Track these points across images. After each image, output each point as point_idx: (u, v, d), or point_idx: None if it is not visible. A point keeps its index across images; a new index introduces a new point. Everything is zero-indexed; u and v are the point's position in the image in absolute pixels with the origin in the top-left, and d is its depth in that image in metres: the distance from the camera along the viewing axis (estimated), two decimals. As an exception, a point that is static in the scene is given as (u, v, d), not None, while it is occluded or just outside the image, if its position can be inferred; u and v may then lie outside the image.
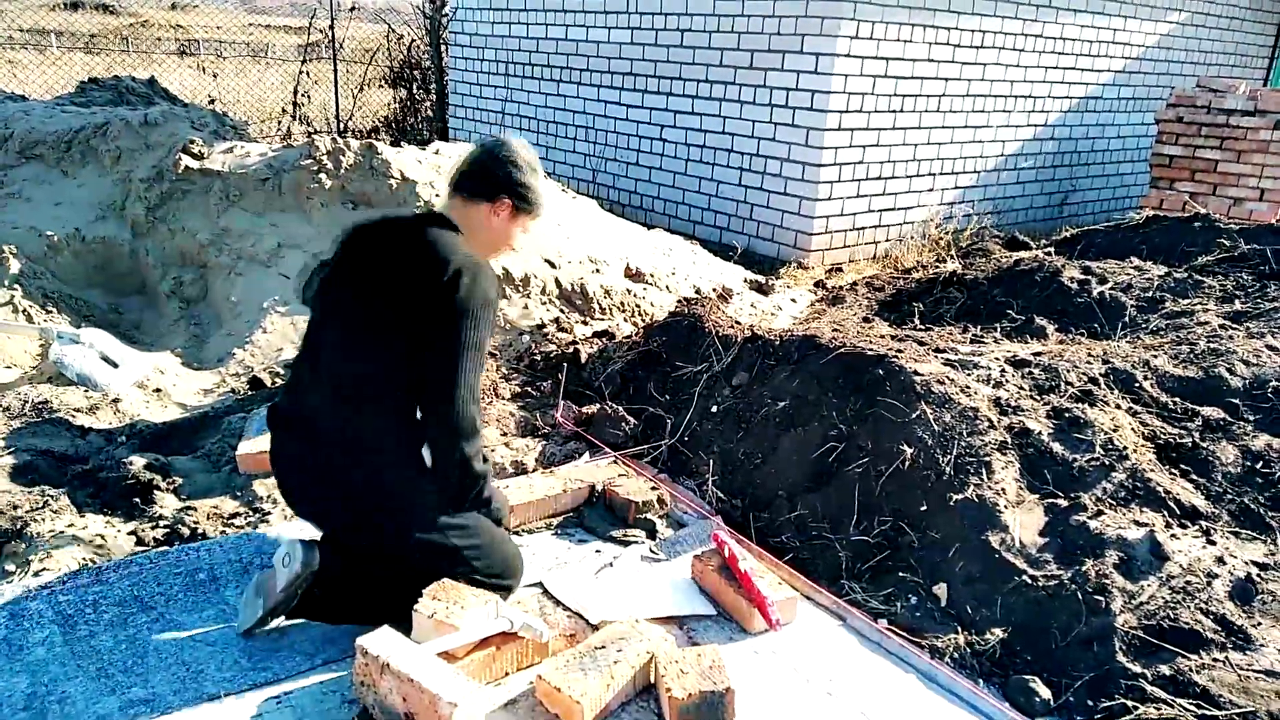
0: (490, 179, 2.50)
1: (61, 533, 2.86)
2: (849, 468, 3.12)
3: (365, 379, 2.36)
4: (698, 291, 5.46)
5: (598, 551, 2.98)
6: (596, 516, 3.16)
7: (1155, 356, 3.61)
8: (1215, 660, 2.39)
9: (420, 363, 2.31)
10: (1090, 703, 2.35)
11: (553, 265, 5.03)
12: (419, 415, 2.38)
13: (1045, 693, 2.39)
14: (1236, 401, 3.34)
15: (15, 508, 2.97)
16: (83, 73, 10.31)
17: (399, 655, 2.09)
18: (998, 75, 7.94)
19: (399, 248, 2.41)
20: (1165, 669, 2.37)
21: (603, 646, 2.30)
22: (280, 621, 2.48)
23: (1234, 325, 3.91)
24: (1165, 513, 2.86)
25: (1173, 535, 2.77)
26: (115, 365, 4.04)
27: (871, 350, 3.43)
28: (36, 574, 2.67)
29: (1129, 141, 9.75)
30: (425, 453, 2.44)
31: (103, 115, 5.52)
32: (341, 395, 2.37)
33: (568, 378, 4.14)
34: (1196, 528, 2.83)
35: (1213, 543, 2.75)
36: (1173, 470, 3.07)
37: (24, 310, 4.38)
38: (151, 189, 5.08)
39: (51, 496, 3.05)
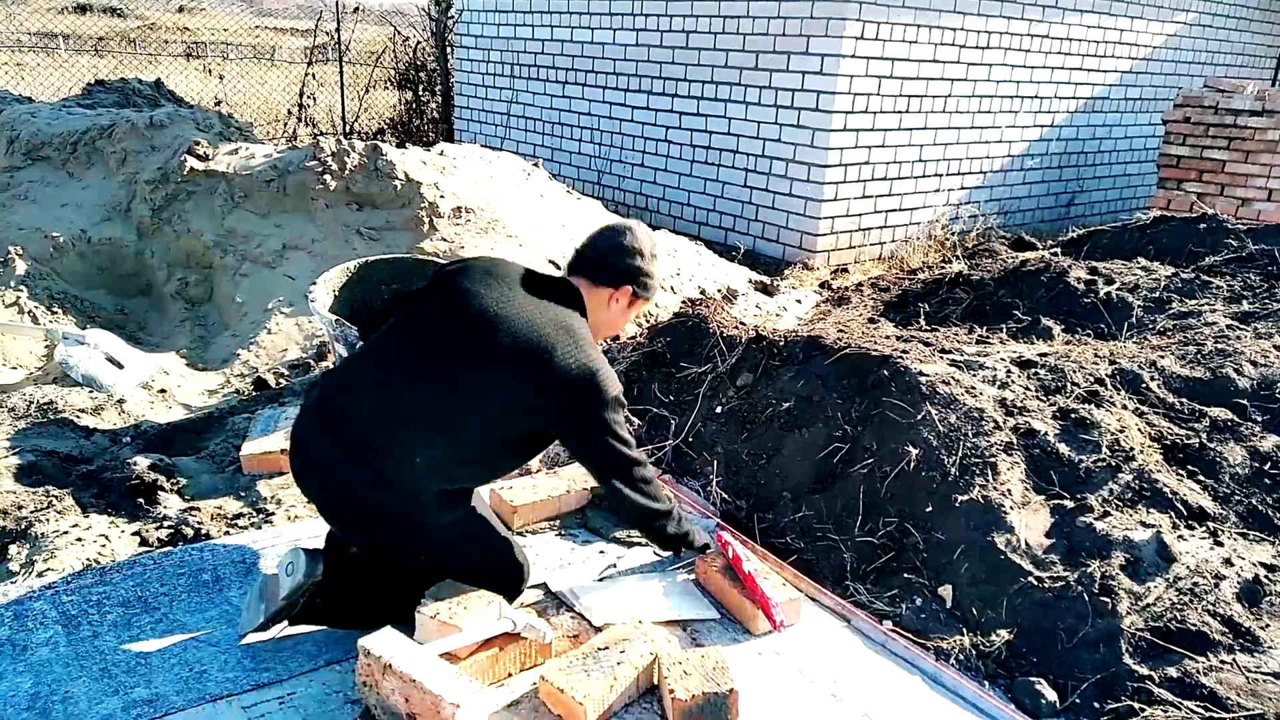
0: (616, 267, 2.52)
1: (66, 533, 2.87)
2: (854, 469, 3.11)
3: (438, 422, 2.28)
4: (702, 292, 5.45)
5: (601, 552, 2.97)
6: (600, 517, 3.15)
7: (1162, 357, 3.59)
8: (1223, 662, 2.37)
9: (527, 446, 2.44)
10: (1097, 705, 2.34)
11: (557, 266, 5.03)
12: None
13: (1051, 694, 2.37)
14: (1244, 402, 3.32)
15: (20, 508, 2.98)
16: (90, 75, 10.35)
17: (401, 656, 2.08)
18: (1004, 76, 7.92)
19: (530, 319, 2.32)
20: (1172, 671, 2.35)
21: (606, 648, 2.29)
22: (282, 627, 2.48)
23: (1242, 326, 3.88)
24: (1172, 514, 2.84)
25: (1180, 536, 2.75)
26: (120, 366, 4.05)
27: (876, 351, 3.42)
28: (40, 574, 2.68)
29: (1136, 142, 9.71)
30: (460, 490, 2.43)
31: (109, 117, 5.54)
32: (403, 425, 2.28)
33: (572, 378, 4.13)
34: (1204, 529, 2.81)
35: (1220, 544, 2.74)
36: (1180, 471, 3.05)
37: (30, 311, 4.39)
38: (157, 190, 5.09)
39: (56, 497, 3.06)
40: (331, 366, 4.22)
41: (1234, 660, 2.37)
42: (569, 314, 2.39)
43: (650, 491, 2.51)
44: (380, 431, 2.28)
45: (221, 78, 12.89)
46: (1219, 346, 3.63)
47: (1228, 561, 2.66)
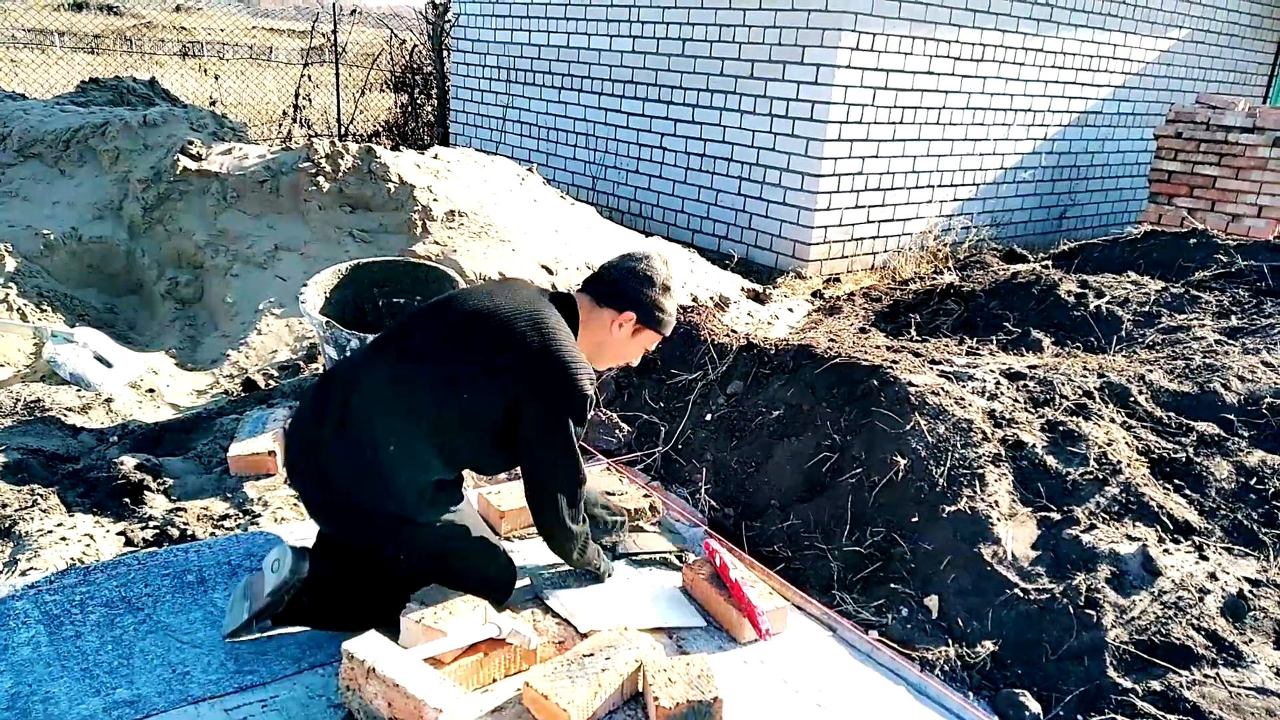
0: (623, 292, 2.51)
1: (50, 532, 2.85)
2: (842, 478, 3.11)
3: (424, 417, 2.31)
4: (695, 300, 5.45)
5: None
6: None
7: (1150, 371, 3.60)
8: (1206, 676, 2.38)
9: (518, 446, 2.37)
10: (1080, 717, 2.34)
11: (549, 271, 5.03)
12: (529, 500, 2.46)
13: (1035, 706, 2.38)
14: (1231, 417, 3.34)
15: (4, 506, 2.96)
16: (85, 73, 10.32)
17: (385, 660, 2.08)
18: (998, 89, 7.96)
19: (520, 315, 2.35)
20: (1156, 684, 2.36)
21: (591, 654, 2.28)
22: (265, 627, 2.46)
23: (1230, 341, 3.90)
24: (1158, 528, 2.85)
25: (1165, 550, 2.76)
26: (109, 365, 4.04)
27: (866, 361, 3.43)
28: (24, 573, 2.66)
29: (1128, 157, 9.77)
30: (446, 487, 2.44)
31: (102, 115, 5.52)
32: (390, 420, 2.31)
33: (562, 384, 4.13)
34: (1189, 543, 2.82)
35: (1205, 558, 2.75)
36: (1166, 485, 3.06)
37: (19, 309, 4.37)
38: (149, 189, 5.08)
39: (41, 496, 3.04)
40: (322, 368, 4.21)
41: (1217, 675, 2.38)
42: (550, 311, 2.41)
43: (575, 515, 2.49)
44: (363, 419, 2.32)
45: (217, 78, 12.86)
46: (1207, 361, 3.65)
47: (1212, 576, 2.67)
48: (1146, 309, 4.39)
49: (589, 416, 2.41)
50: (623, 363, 2.69)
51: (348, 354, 3.51)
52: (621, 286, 2.51)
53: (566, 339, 2.36)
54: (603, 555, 2.77)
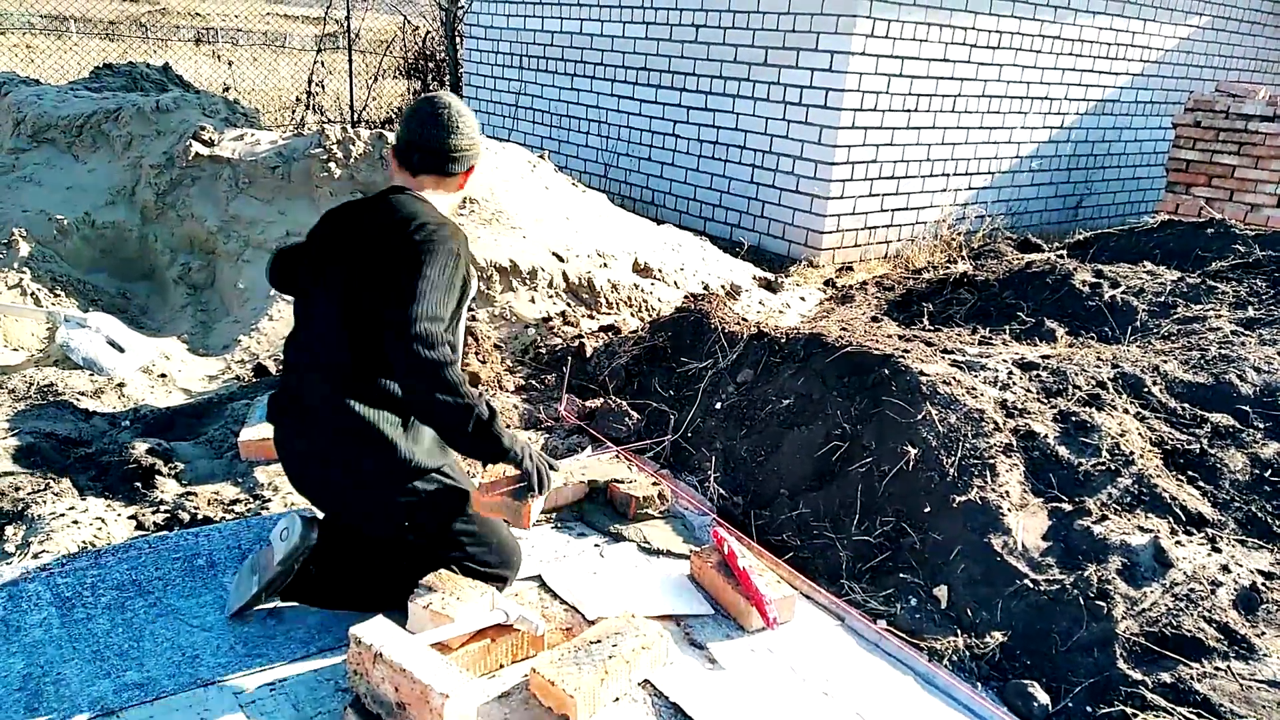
0: (465, 154, 2.47)
1: (62, 515, 2.86)
2: (852, 467, 3.10)
3: (346, 354, 2.31)
4: (706, 288, 5.44)
5: (596, 545, 2.96)
6: (597, 511, 3.15)
7: (1165, 362, 3.57)
8: (1217, 669, 2.36)
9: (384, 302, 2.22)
10: (1089, 709, 2.33)
11: (560, 259, 5.02)
12: (394, 364, 2.22)
13: (1044, 698, 2.36)
14: (1246, 409, 3.30)
15: (17, 489, 2.98)
16: (100, 58, 10.35)
17: (392, 645, 2.08)
18: (1014, 76, 7.88)
19: (369, 217, 2.39)
20: (1166, 676, 2.34)
21: (598, 641, 2.28)
22: (274, 603, 2.48)
23: (1246, 332, 3.86)
24: (1171, 519, 2.83)
25: (1178, 542, 2.74)
26: (121, 350, 4.05)
27: (878, 350, 3.41)
28: (36, 556, 2.68)
29: (1145, 145, 9.67)
30: (417, 428, 2.39)
31: (115, 101, 5.53)
32: (326, 374, 2.34)
33: (572, 371, 4.13)
34: (1202, 535, 2.80)
35: (1218, 550, 2.72)
36: (1180, 476, 3.03)
37: (32, 293, 4.39)
38: (162, 175, 5.09)
39: (54, 479, 3.06)
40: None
41: (1228, 667, 2.36)
42: (404, 198, 2.39)
43: (454, 376, 2.18)
44: (314, 378, 2.36)
45: (231, 64, 12.87)
46: (1223, 352, 3.61)
47: (1225, 568, 2.64)
48: (1162, 299, 4.35)
49: (460, 267, 2.31)
50: (460, 197, 2.63)
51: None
52: (450, 152, 2.44)
53: (436, 213, 2.37)
54: (529, 446, 2.42)
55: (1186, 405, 3.34)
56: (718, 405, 3.63)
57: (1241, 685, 2.31)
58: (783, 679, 2.41)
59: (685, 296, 4.73)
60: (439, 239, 2.27)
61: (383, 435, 2.31)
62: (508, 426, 2.61)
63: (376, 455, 2.32)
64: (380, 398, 2.33)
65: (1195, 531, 2.81)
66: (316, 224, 2.52)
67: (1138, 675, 2.35)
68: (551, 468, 2.48)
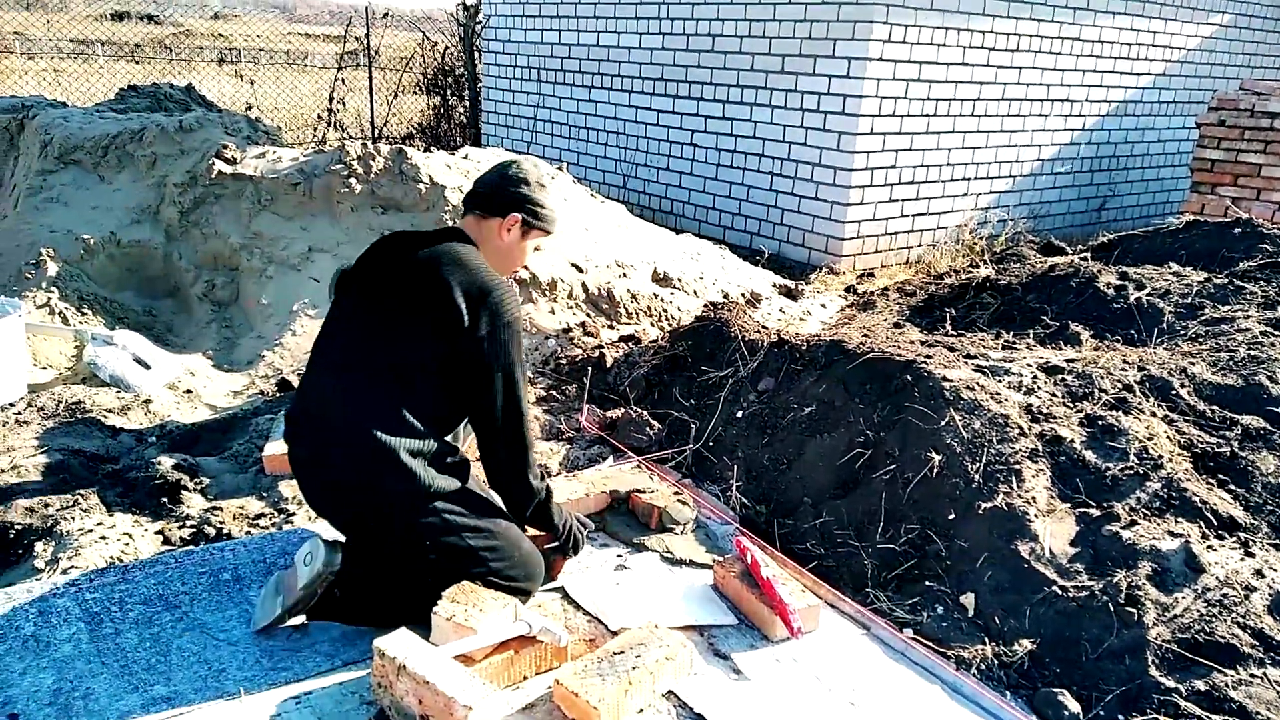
0: (502, 197, 2.57)
1: (90, 531, 2.90)
2: (875, 475, 3.07)
3: (379, 388, 2.37)
4: (725, 296, 5.42)
5: (619, 556, 2.96)
6: (619, 521, 3.14)
7: (1193, 364, 3.52)
8: (1253, 676, 2.32)
9: (456, 384, 2.39)
10: (1121, 717, 2.29)
11: (580, 269, 5.03)
12: (479, 443, 2.47)
13: (1074, 706, 2.33)
14: (1277, 410, 3.25)
15: (47, 506, 3.02)
16: (125, 80, 10.51)
17: (415, 657, 2.08)
18: (1034, 79, 7.83)
19: (422, 258, 2.43)
20: (1200, 684, 2.30)
21: (621, 652, 2.27)
22: (299, 621, 2.49)
23: (1275, 332, 3.80)
24: (1201, 523, 2.78)
25: (1209, 547, 2.69)
26: (147, 367, 4.10)
27: (899, 356, 3.38)
28: (65, 571, 2.71)
29: (1169, 146, 9.57)
30: (437, 453, 2.43)
31: (139, 121, 5.61)
32: (352, 399, 2.37)
33: (593, 382, 4.13)
34: (1234, 539, 2.75)
35: (1251, 555, 2.68)
36: (1210, 480, 2.99)
37: (60, 312, 4.46)
38: (185, 193, 5.15)
39: (82, 495, 3.10)
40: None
41: (1264, 674, 2.32)
42: (458, 247, 2.46)
43: (530, 460, 2.45)
44: (337, 403, 2.38)
45: (253, 83, 13.04)
46: (1252, 353, 3.56)
47: (1259, 573, 2.60)
48: (1189, 301, 4.29)
49: (519, 336, 2.43)
50: (518, 267, 2.70)
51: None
52: (499, 193, 2.57)
53: (484, 268, 2.43)
54: (572, 518, 2.70)
55: (1216, 408, 3.29)
56: (739, 414, 3.62)
57: (1278, 692, 2.27)
58: (808, 689, 2.39)
59: (705, 305, 4.72)
60: (505, 313, 2.36)
61: (401, 462, 2.34)
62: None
63: (395, 479, 2.34)
64: (403, 429, 2.36)
65: (1227, 536, 2.76)
66: (370, 250, 2.54)
67: (1170, 683, 2.31)
68: (588, 537, 2.78)
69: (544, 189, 2.62)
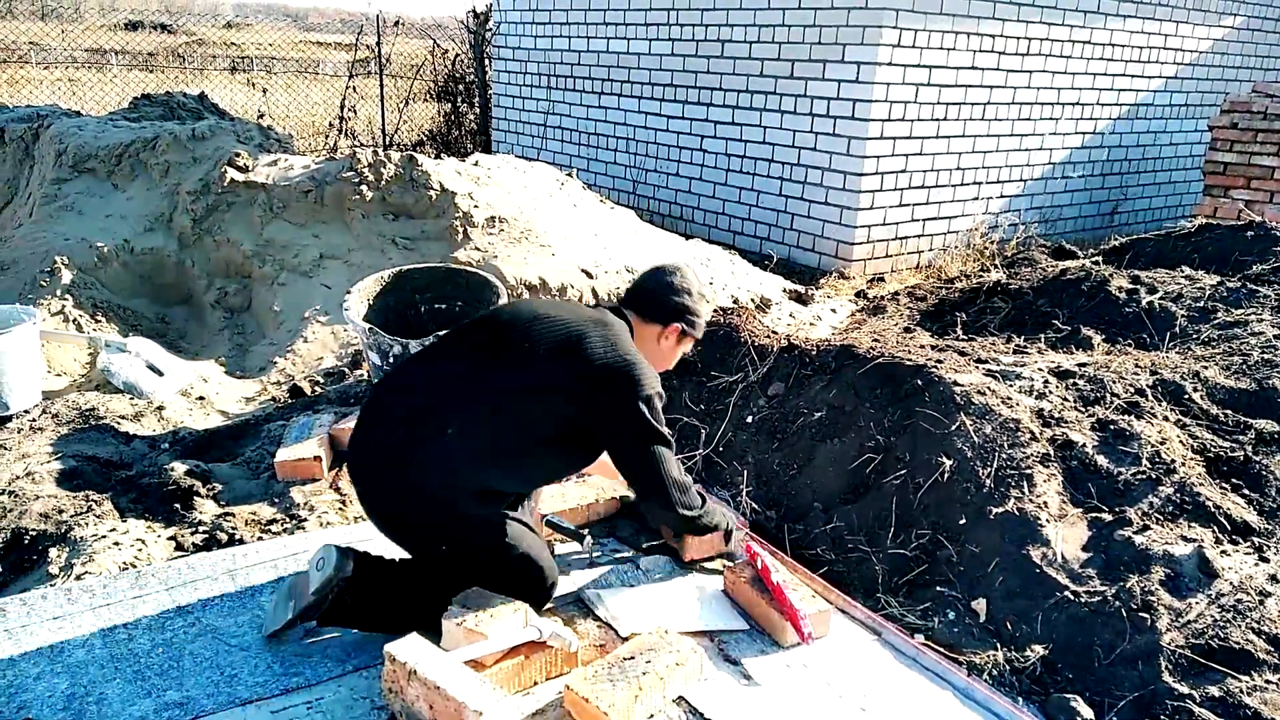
0: (666, 305, 2.65)
1: (104, 537, 2.92)
2: (886, 480, 3.07)
3: (488, 424, 2.36)
4: (735, 301, 5.43)
5: (629, 561, 2.96)
6: (629, 527, 3.14)
7: (1206, 368, 3.50)
8: (1268, 682, 2.30)
9: (615, 457, 2.48)
10: (1135, 724, 2.28)
11: (590, 275, 5.04)
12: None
13: (1087, 712, 2.32)
14: (1292, 414, 3.23)
15: (61, 512, 3.04)
16: (139, 89, 10.58)
17: (426, 663, 2.09)
18: (1045, 82, 7.81)
19: (584, 323, 2.46)
20: (1214, 690, 2.29)
21: (632, 657, 2.27)
22: (310, 627, 2.49)
23: (1289, 336, 3.78)
24: (1215, 528, 2.77)
25: (1223, 552, 2.68)
26: (160, 373, 4.13)
27: (910, 360, 3.38)
28: (79, 577, 2.72)
29: (1181, 149, 9.52)
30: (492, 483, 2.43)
31: (152, 130, 5.65)
32: (438, 411, 2.36)
33: (603, 387, 4.13)
34: (1248, 544, 2.73)
35: (1266, 560, 2.66)
36: (1223, 485, 2.97)
37: (74, 319, 4.49)
38: (198, 201, 5.19)
39: (95, 501, 3.12)
40: (367, 374, 4.26)
41: (1279, 680, 2.30)
42: (612, 318, 2.53)
43: (688, 502, 2.52)
44: (422, 422, 2.36)
45: (265, 91, 13.12)
46: (1265, 357, 3.54)
47: (1273, 578, 2.58)
48: (1201, 304, 4.27)
49: (662, 410, 2.47)
50: (667, 368, 2.76)
51: (391, 359, 3.54)
52: (664, 301, 2.65)
53: (631, 346, 2.47)
54: (722, 510, 2.82)
55: (1229, 412, 3.27)
56: (749, 419, 3.62)
57: (1293, 698, 2.25)
58: (819, 695, 2.39)
59: (715, 310, 4.72)
60: (649, 399, 2.40)
61: (458, 490, 2.35)
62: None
63: (441, 480, 2.34)
64: (477, 477, 2.36)
65: (1241, 541, 2.75)
66: (512, 305, 2.61)
67: (1184, 688, 2.30)
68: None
69: (703, 299, 2.73)
